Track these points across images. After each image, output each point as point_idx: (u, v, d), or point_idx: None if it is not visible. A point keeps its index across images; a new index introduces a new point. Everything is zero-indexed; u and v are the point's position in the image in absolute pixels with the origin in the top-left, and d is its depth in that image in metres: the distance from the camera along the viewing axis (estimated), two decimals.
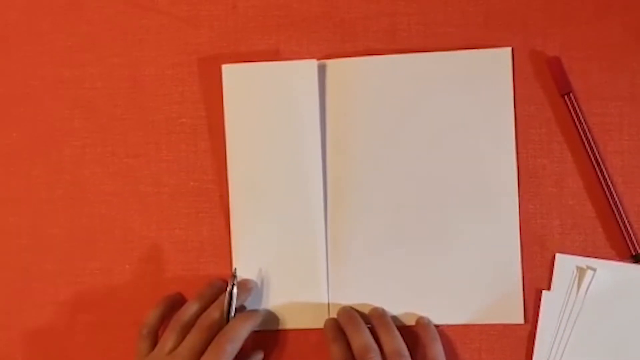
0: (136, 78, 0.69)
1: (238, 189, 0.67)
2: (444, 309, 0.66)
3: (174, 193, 0.69)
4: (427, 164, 0.66)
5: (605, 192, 0.64)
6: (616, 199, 0.64)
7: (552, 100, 0.66)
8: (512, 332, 0.65)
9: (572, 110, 0.65)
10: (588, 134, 0.64)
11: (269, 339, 0.67)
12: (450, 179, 0.66)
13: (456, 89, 0.66)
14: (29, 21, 0.70)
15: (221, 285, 0.66)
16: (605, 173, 0.64)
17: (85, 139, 0.69)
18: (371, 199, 0.66)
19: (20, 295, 0.69)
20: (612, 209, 0.64)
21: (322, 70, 0.67)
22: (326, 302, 0.67)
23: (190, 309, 0.64)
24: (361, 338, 0.62)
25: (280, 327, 0.67)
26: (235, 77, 0.67)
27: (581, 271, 0.64)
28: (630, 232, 0.64)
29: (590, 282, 0.64)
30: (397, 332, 0.63)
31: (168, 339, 0.62)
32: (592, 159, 0.64)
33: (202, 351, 0.61)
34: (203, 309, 0.64)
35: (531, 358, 0.65)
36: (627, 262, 0.64)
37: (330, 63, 0.67)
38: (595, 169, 0.64)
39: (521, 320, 0.65)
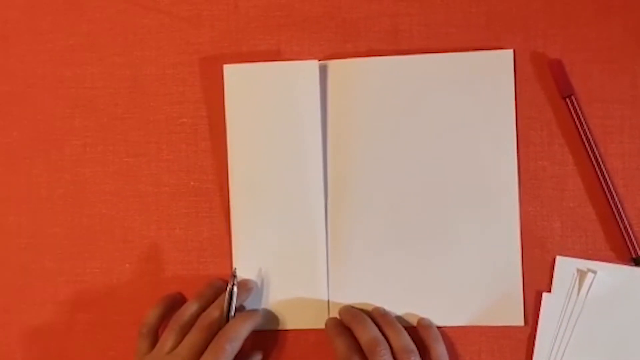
0: (137, 78, 0.69)
1: (239, 189, 0.67)
2: (444, 310, 0.66)
3: (174, 193, 0.69)
4: (428, 165, 0.66)
5: (606, 195, 0.64)
6: (617, 201, 0.64)
7: (553, 102, 0.66)
8: (512, 334, 0.65)
9: (573, 112, 0.65)
10: (589, 136, 0.64)
11: (269, 339, 0.67)
12: (451, 180, 0.66)
13: (457, 91, 0.66)
14: (29, 20, 0.70)
15: (221, 285, 0.66)
16: (606, 175, 0.64)
17: (85, 138, 0.69)
18: (372, 200, 0.66)
19: (20, 294, 0.69)
20: (612, 211, 0.64)
21: (323, 70, 0.67)
22: (326, 302, 0.67)
23: (190, 308, 0.64)
24: (369, 332, 0.62)
25: (280, 327, 0.67)
26: (237, 77, 0.67)
27: (582, 274, 0.64)
28: (631, 234, 0.64)
29: (590, 285, 0.64)
30: (403, 329, 0.63)
31: (168, 339, 0.62)
32: (593, 161, 0.64)
33: (202, 351, 0.61)
34: (203, 309, 0.64)
35: None
36: (628, 264, 0.64)
37: (331, 64, 0.67)
38: (596, 172, 0.64)
39: (521, 323, 0.65)
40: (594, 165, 0.64)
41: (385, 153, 0.66)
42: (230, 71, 0.67)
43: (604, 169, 0.64)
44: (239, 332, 0.62)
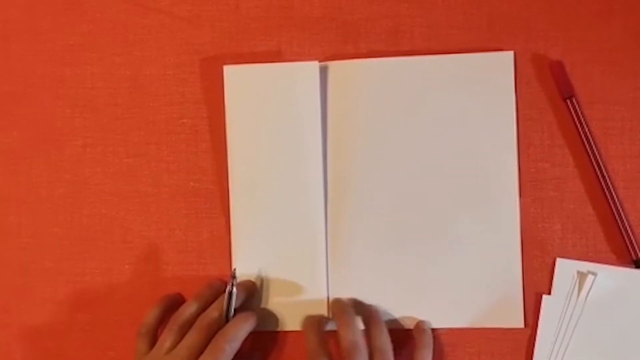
0: (137, 78, 0.69)
1: (238, 189, 0.67)
2: (443, 312, 0.66)
3: (174, 193, 0.69)
4: (428, 167, 0.66)
5: (606, 197, 0.64)
6: (617, 203, 0.64)
7: (554, 104, 0.66)
8: (512, 336, 0.65)
9: (574, 114, 0.65)
10: (590, 138, 0.64)
11: (269, 339, 0.67)
12: (452, 181, 0.66)
13: (458, 92, 0.66)
14: (29, 20, 0.70)
15: (220, 285, 0.66)
16: (606, 177, 0.64)
17: (85, 139, 0.69)
18: (372, 201, 0.66)
19: (20, 293, 0.69)
20: (613, 213, 0.64)
21: (323, 71, 0.67)
22: (326, 303, 0.67)
23: (189, 308, 0.64)
24: (351, 334, 0.62)
25: (280, 327, 0.67)
26: (237, 78, 0.67)
27: (582, 276, 0.64)
28: (632, 236, 0.64)
29: (590, 287, 0.64)
30: (385, 330, 0.63)
31: (166, 339, 0.62)
32: (594, 163, 0.64)
33: (201, 351, 0.61)
34: (202, 309, 0.64)
35: None
36: (628, 267, 0.64)
37: (332, 65, 0.67)
38: (596, 173, 0.64)
39: (521, 325, 0.65)
40: (594, 167, 0.64)
41: (385, 154, 0.66)
42: (230, 72, 0.67)
43: (604, 171, 0.64)
44: (238, 332, 0.62)
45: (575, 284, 0.65)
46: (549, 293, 0.65)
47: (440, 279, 0.66)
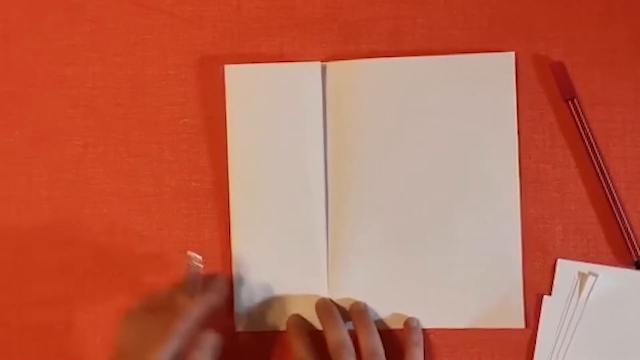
0: (139, 78, 0.69)
1: (239, 190, 0.67)
2: (444, 312, 0.66)
3: (175, 193, 0.69)
4: (429, 167, 0.66)
5: (607, 198, 0.64)
6: (619, 204, 0.64)
7: (555, 105, 0.66)
8: (512, 336, 0.65)
9: (575, 115, 0.65)
10: (591, 139, 0.64)
11: (269, 339, 0.67)
12: (452, 181, 0.66)
13: (459, 93, 0.66)
14: (31, 19, 0.70)
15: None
16: (608, 179, 0.64)
17: (87, 138, 0.69)
18: (372, 202, 0.66)
19: (20, 292, 0.69)
20: (614, 214, 0.64)
21: (325, 72, 0.67)
22: None
23: (160, 293, 0.63)
24: (337, 333, 0.63)
25: (280, 327, 0.67)
26: (238, 77, 0.67)
27: (583, 277, 0.64)
28: (633, 238, 0.64)
29: (591, 288, 0.64)
30: (375, 331, 0.64)
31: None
32: (595, 164, 0.64)
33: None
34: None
35: None
36: (629, 268, 0.64)
37: (333, 65, 0.67)
38: (598, 175, 0.64)
39: (522, 325, 0.65)
40: (595, 168, 0.64)
41: (386, 155, 0.66)
42: (232, 72, 0.67)
43: (605, 172, 0.64)
44: (192, 311, 0.61)
45: (576, 285, 0.65)
46: (550, 294, 0.65)
47: (441, 280, 0.66)
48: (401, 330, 0.66)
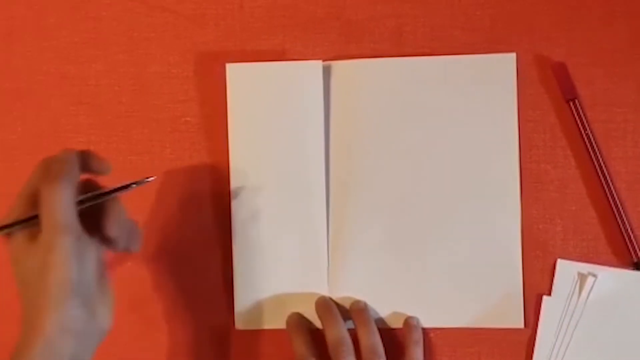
0: (141, 75, 0.69)
1: (240, 188, 0.67)
2: (444, 311, 0.66)
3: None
4: (430, 167, 0.66)
5: (608, 198, 0.64)
6: (619, 205, 0.64)
7: (556, 105, 0.66)
8: (512, 336, 0.66)
9: (576, 116, 0.65)
10: (592, 139, 0.64)
11: (269, 339, 0.68)
12: (453, 181, 0.66)
13: (460, 93, 0.66)
14: (34, 16, 0.70)
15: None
16: (608, 179, 0.64)
17: (89, 136, 0.69)
18: (373, 201, 0.66)
19: None
20: (614, 215, 0.64)
21: (327, 71, 0.67)
22: None
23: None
24: (336, 331, 0.63)
25: (280, 326, 0.67)
26: (240, 76, 0.67)
27: (582, 277, 0.64)
28: (633, 239, 0.64)
29: (591, 288, 0.64)
30: (375, 329, 0.64)
31: None
32: (596, 165, 0.64)
33: None
34: None
35: None
36: (629, 269, 0.64)
37: (335, 64, 0.67)
38: (598, 175, 0.64)
39: (521, 325, 0.65)
40: (596, 169, 0.64)
41: (387, 154, 0.66)
42: (233, 70, 0.67)
43: (606, 173, 0.64)
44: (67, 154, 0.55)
45: (575, 285, 0.65)
46: (550, 294, 0.65)
47: (441, 279, 0.66)
48: (401, 329, 0.66)
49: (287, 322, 0.66)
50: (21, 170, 0.70)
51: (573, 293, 0.65)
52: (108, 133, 0.69)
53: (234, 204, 0.67)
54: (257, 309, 0.67)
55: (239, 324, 0.67)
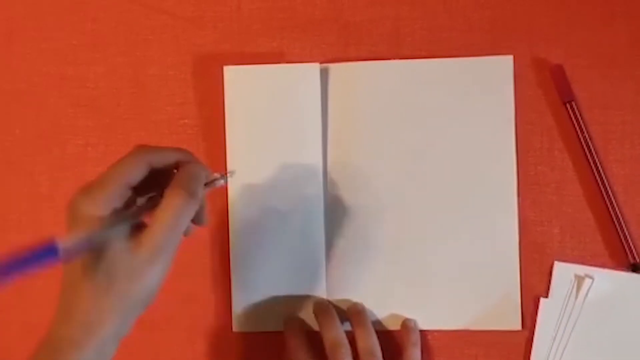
0: (139, 78, 0.69)
1: (238, 190, 0.67)
2: (441, 314, 0.66)
3: None
4: (427, 170, 0.66)
5: (605, 201, 0.64)
6: (616, 207, 0.64)
7: (554, 108, 0.66)
8: (509, 338, 0.66)
9: (573, 118, 0.65)
10: (589, 142, 0.64)
11: (269, 339, 0.68)
12: (450, 184, 0.66)
13: (458, 96, 0.66)
14: (33, 19, 0.70)
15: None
16: (605, 182, 0.64)
17: (87, 138, 0.69)
18: (371, 204, 0.66)
19: (21, 292, 0.70)
20: (612, 217, 0.64)
21: (324, 74, 0.67)
22: None
23: None
24: (333, 333, 0.63)
25: (278, 328, 0.67)
26: (237, 78, 0.67)
27: (579, 279, 0.65)
28: (630, 241, 0.64)
29: (588, 291, 0.64)
30: (372, 331, 0.64)
31: None
32: (593, 167, 0.64)
33: None
34: None
35: None
36: (626, 271, 0.64)
37: (333, 67, 0.67)
38: (596, 178, 0.64)
39: (519, 327, 0.65)
40: (593, 171, 0.64)
41: (385, 157, 0.66)
42: (231, 72, 0.67)
43: (603, 175, 0.64)
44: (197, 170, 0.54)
45: (572, 288, 0.65)
46: (547, 296, 0.65)
47: (439, 281, 0.66)
48: (399, 331, 0.66)
49: (284, 324, 0.66)
50: (20, 171, 0.70)
51: (570, 295, 0.65)
52: (106, 135, 0.69)
53: (232, 206, 0.67)
54: (255, 311, 0.67)
55: (237, 326, 0.68)
